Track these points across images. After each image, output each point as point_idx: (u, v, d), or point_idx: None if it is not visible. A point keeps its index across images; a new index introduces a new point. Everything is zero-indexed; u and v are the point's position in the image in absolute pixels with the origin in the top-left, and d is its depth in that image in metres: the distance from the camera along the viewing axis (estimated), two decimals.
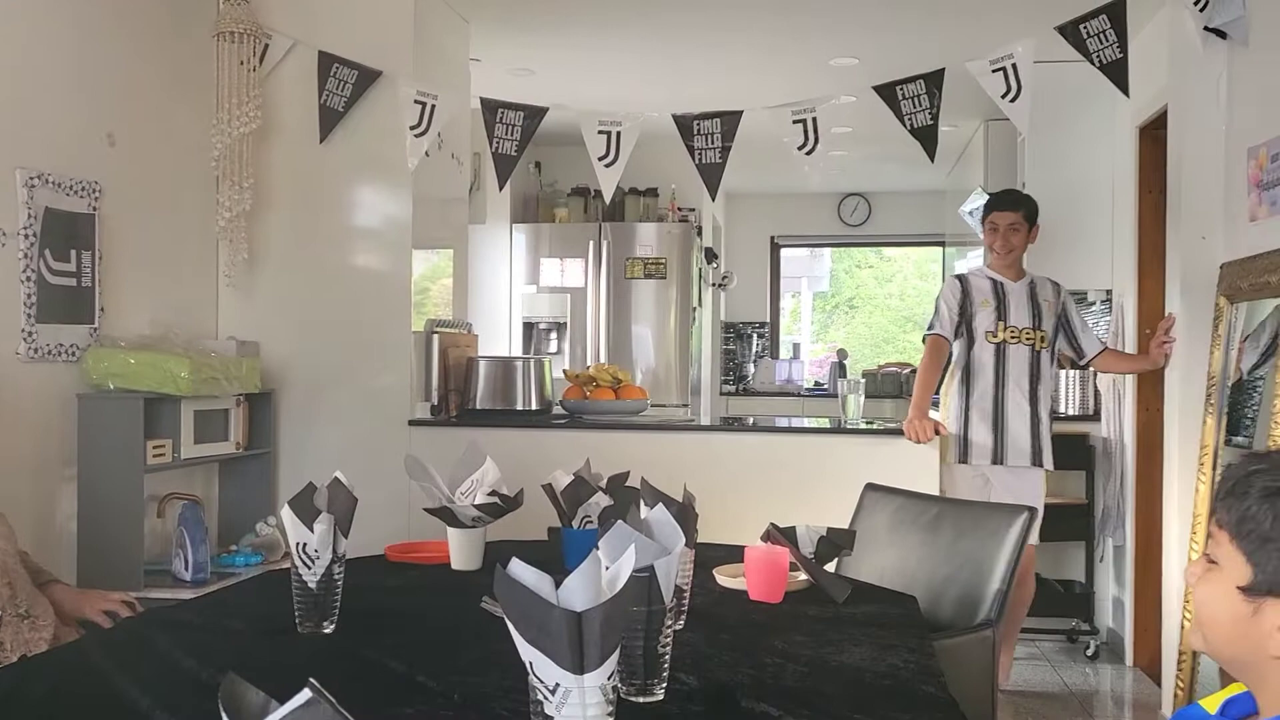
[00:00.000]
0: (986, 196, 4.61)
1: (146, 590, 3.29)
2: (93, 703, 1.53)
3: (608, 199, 4.07)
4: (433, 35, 4.28)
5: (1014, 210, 4.01)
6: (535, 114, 3.86)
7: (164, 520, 3.68)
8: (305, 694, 0.85)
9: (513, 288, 6.75)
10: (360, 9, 4.12)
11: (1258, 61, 3.23)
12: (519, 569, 1.13)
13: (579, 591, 1.14)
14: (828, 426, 4.18)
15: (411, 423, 4.09)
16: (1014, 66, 3.57)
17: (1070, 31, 3.51)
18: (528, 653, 1.14)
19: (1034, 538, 3.71)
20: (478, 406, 4.24)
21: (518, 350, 6.63)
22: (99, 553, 3.34)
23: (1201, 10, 3.31)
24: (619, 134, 3.77)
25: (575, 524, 2.43)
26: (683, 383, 6.64)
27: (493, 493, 2.42)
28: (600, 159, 3.80)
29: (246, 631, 1.92)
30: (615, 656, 1.15)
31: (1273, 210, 3.03)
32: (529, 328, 6.73)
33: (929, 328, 4.07)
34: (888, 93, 3.71)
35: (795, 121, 3.72)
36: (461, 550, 2.42)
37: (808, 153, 3.75)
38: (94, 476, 3.37)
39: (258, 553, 3.79)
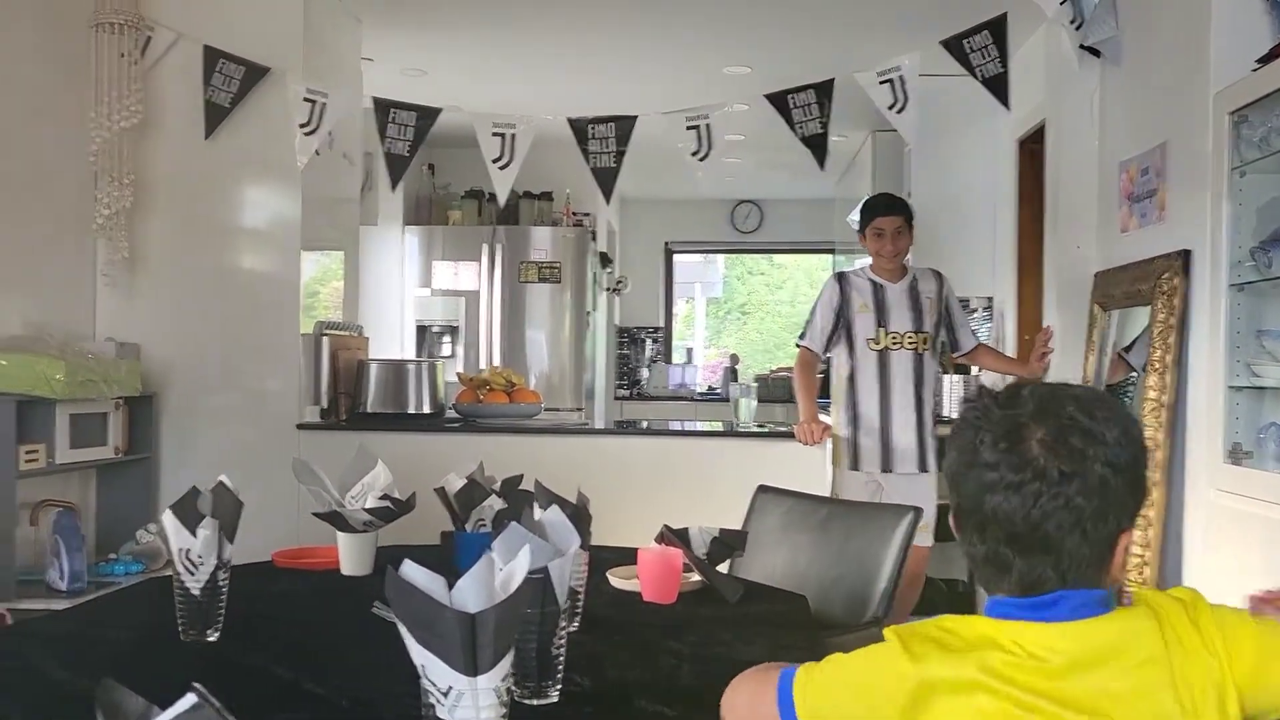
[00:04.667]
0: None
1: (19, 601, 3.16)
2: None
3: (502, 202, 4.06)
4: (323, 33, 4.20)
5: (899, 214, 3.90)
6: (428, 115, 3.83)
7: (38, 528, 3.53)
8: (190, 698, 0.83)
9: (405, 290, 6.66)
10: (248, 4, 4.02)
11: (1128, 79, 3.39)
12: (411, 570, 1.12)
13: (472, 593, 1.13)
14: (720, 429, 4.23)
15: (300, 426, 4.01)
16: (901, 79, 3.67)
17: (955, 46, 3.63)
18: (420, 655, 1.13)
19: (927, 539, 3.76)
20: (369, 410, 4.17)
21: (410, 354, 6.55)
22: None
23: (1077, 29, 3.46)
24: (513, 136, 3.76)
25: (469, 527, 2.40)
26: (577, 387, 6.64)
27: (384, 496, 2.38)
28: (494, 161, 3.79)
29: (126, 641, 1.85)
30: (509, 658, 1.15)
31: (1143, 222, 3.18)
32: (422, 331, 6.64)
33: (800, 336, 3.99)
34: (779, 101, 3.78)
35: (689, 128, 3.76)
36: (352, 555, 2.37)
37: (701, 159, 3.79)
38: None
39: (138, 561, 3.66)
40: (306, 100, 3.77)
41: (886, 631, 1.17)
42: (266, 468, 3.71)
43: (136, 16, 3.77)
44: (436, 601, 1.11)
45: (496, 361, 6.41)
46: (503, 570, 1.22)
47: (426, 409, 4.20)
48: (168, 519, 1.82)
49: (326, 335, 4.14)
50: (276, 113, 3.91)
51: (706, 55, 5.10)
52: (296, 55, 3.95)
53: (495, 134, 3.77)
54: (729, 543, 2.25)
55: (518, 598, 1.16)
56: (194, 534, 1.81)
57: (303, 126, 3.78)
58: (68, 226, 3.81)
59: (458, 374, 4.64)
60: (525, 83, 5.63)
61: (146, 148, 3.94)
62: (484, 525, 2.39)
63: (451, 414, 4.32)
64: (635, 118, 3.82)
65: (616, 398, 8.50)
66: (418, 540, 2.63)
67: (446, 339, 6.64)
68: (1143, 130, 3.22)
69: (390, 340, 6.45)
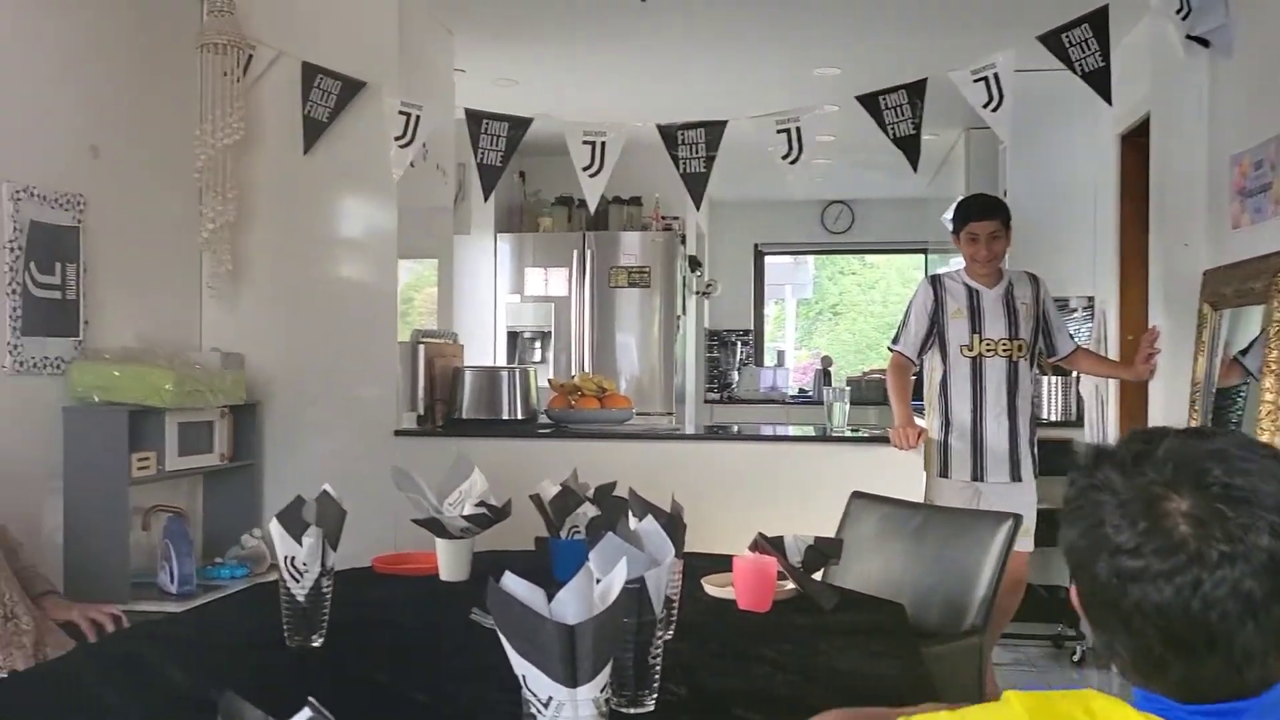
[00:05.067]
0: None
1: (133, 603, 3.27)
2: (75, 713, 1.52)
3: (592, 209, 4.08)
4: (417, 46, 4.28)
5: (994, 217, 3.78)
6: (520, 125, 3.87)
7: (149, 533, 3.65)
8: (306, 713, 0.85)
9: (497, 297, 6.75)
10: (344, 20, 4.11)
11: (1239, 68, 3.26)
12: (511, 582, 1.13)
13: (571, 605, 1.14)
14: (813, 434, 4.19)
15: (397, 433, 4.09)
16: (995, 76, 3.59)
17: (1052, 41, 3.54)
18: (521, 666, 1.14)
19: (1028, 544, 3.66)
20: (464, 416, 4.24)
21: (502, 360, 6.63)
22: (85, 565, 3.32)
23: (1184, 19, 3.34)
24: (603, 144, 3.78)
25: (563, 534, 2.43)
26: (667, 391, 6.64)
27: (481, 503, 2.41)
28: (585, 169, 3.81)
29: (235, 645, 1.91)
30: (608, 669, 1.16)
31: (1256, 217, 3.06)
32: (513, 337, 6.73)
33: (894, 340, 3.92)
34: (870, 103, 3.73)
35: (779, 131, 3.73)
36: (450, 561, 2.41)
37: (792, 162, 3.76)
38: (79, 489, 3.36)
39: (243, 565, 3.77)
40: (401, 113, 3.84)
41: (1011, 695, 0.99)
42: (365, 474, 3.78)
43: (239, 36, 3.89)
44: (536, 613, 1.12)
45: (587, 367, 6.45)
46: (601, 582, 1.22)
47: (520, 415, 4.25)
48: (274, 527, 1.87)
49: (422, 343, 4.21)
50: (372, 126, 3.99)
51: (795, 57, 5.06)
52: (392, 69, 4.03)
53: (586, 142, 3.79)
54: (824, 550, 2.23)
55: (616, 609, 1.17)
56: (299, 542, 1.86)
57: (398, 139, 3.86)
58: (175, 241, 3.94)
59: (549, 380, 4.68)
60: (614, 89, 5.66)
61: (248, 163, 4.06)
62: (578, 532, 2.41)
63: (543, 420, 4.36)
64: (725, 123, 3.81)
65: (706, 401, 8.48)
66: (512, 545, 2.67)
67: (537, 345, 6.71)
68: (1256, 122, 3.10)
69: (482, 347, 6.55)
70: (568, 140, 3.83)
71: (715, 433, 4.43)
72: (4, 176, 3.12)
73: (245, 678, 1.69)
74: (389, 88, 3.96)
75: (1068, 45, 3.50)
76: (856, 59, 5.01)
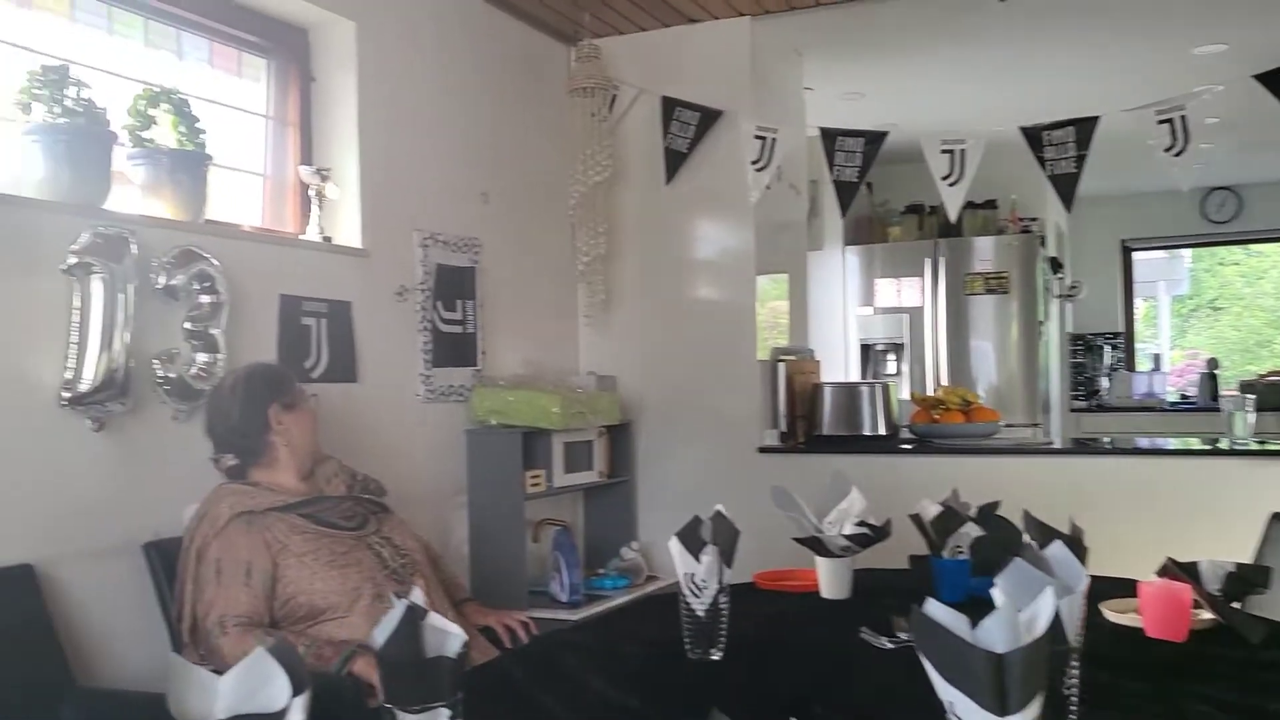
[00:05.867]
0: None
1: (531, 610, 3.55)
2: (522, 715, 1.68)
3: (953, 218, 3.98)
4: (769, 71, 4.37)
5: None
6: (875, 139, 3.85)
7: (539, 544, 3.96)
8: None
9: (847, 310, 6.72)
10: (700, 53, 4.28)
11: None
12: (935, 609, 1.13)
13: (998, 633, 1.12)
14: (1215, 447, 3.82)
15: (761, 450, 4.17)
16: None
17: None
18: (948, 693, 1.14)
19: None
20: (825, 433, 4.26)
21: (855, 373, 6.59)
22: (489, 574, 3.65)
23: None
24: (963, 152, 3.68)
25: (945, 554, 2.38)
26: (1029, 400, 6.32)
27: (860, 522, 2.42)
28: (944, 178, 3.73)
29: (641, 655, 2.03)
30: (1039, 700, 1.13)
31: None
32: (865, 350, 6.66)
33: None
34: (1273, 80, 3.37)
35: (1161, 121, 3.47)
36: (831, 579, 2.43)
37: (1177, 154, 3.48)
38: (482, 504, 3.70)
39: (624, 576, 3.99)
40: (757, 137, 3.94)
41: None
42: (731, 490, 3.86)
43: (605, 79, 4.16)
44: (964, 641, 1.11)
45: (943, 377, 6.27)
46: (1025, 610, 1.19)
47: (881, 430, 4.21)
48: (674, 545, 1.97)
49: (782, 360, 4.28)
50: (729, 152, 4.12)
51: (1173, 37, 4.66)
52: (746, 96, 4.15)
53: (944, 151, 3.71)
54: (1248, 578, 2.04)
55: (1044, 638, 1.14)
56: (697, 559, 1.95)
57: (754, 163, 3.96)
58: (552, 274, 4.27)
59: (911, 394, 4.61)
60: (966, 92, 5.48)
61: (615, 197, 4.32)
62: (961, 552, 2.36)
63: (906, 435, 4.30)
64: (1096, 119, 3.59)
65: (1073, 410, 7.97)
66: (884, 563, 2.64)
67: (890, 357, 6.60)
68: None
69: (834, 360, 6.54)
70: (925, 150, 3.77)
71: (1097, 446, 4.15)
72: (415, 226, 3.52)
73: (656, 686, 1.80)
74: (744, 114, 4.07)
75: None
76: (1245, 31, 4.54)
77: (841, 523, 2.46)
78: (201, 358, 2.71)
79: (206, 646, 2.31)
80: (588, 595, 3.80)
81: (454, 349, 3.68)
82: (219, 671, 1.11)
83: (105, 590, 2.49)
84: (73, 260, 2.40)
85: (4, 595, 2.24)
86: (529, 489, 3.69)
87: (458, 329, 3.69)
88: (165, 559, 2.52)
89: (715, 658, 1.96)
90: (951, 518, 2.39)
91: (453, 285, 3.66)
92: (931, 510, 2.43)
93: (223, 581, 2.33)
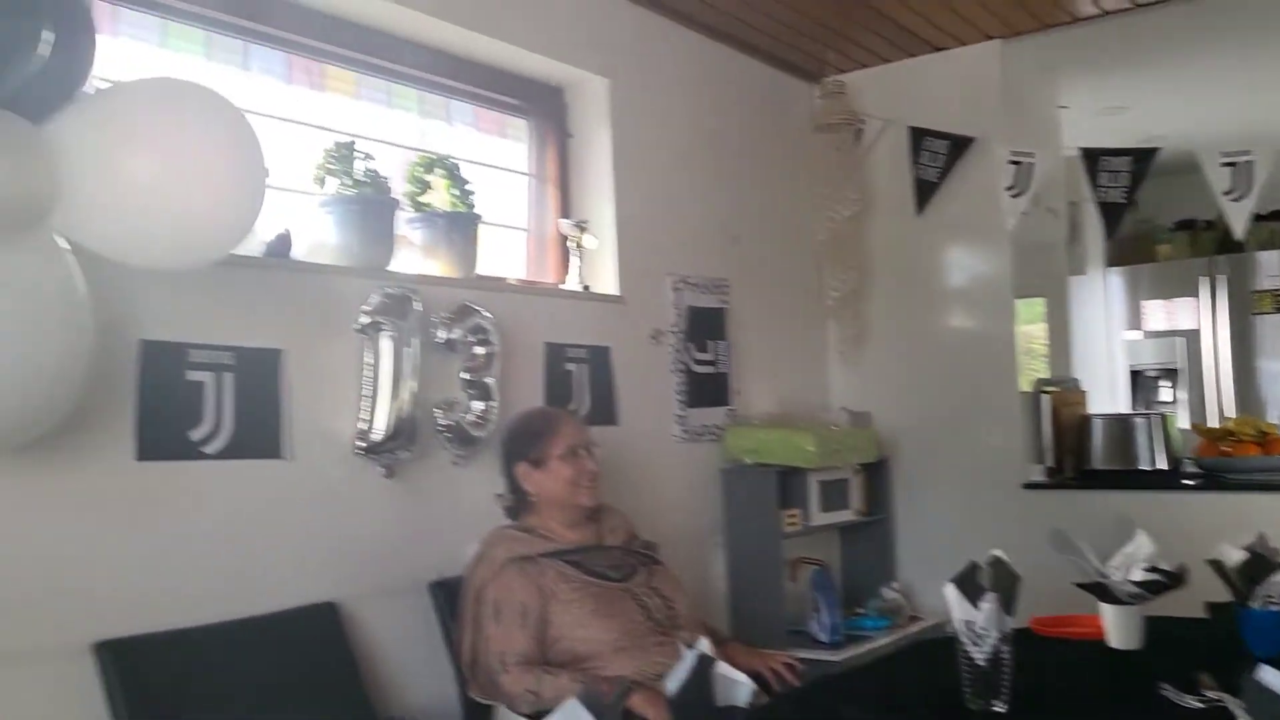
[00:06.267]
0: None
1: (792, 650, 3.51)
2: None
3: (1239, 234, 3.67)
4: (1020, 93, 4.22)
5: None
6: (1144, 157, 3.63)
7: (795, 583, 3.92)
8: None
9: (1111, 335, 6.32)
10: (947, 81, 4.18)
11: None
12: (1270, 676, 1.05)
13: None
14: None
15: (1026, 485, 3.98)
16: None
17: None
18: None
19: None
20: (1095, 467, 4.02)
21: (1124, 401, 6.18)
22: (747, 614, 3.66)
23: None
24: (1248, 164, 3.41)
25: (1254, 604, 2.19)
26: None
27: (1151, 568, 2.26)
28: (1227, 194, 3.46)
29: (920, 705, 1.97)
30: None
31: None
32: (1135, 376, 6.24)
33: None
34: None
35: None
36: (1120, 628, 2.29)
37: None
38: (738, 543, 3.72)
39: (885, 617, 3.89)
40: (1012, 162, 3.80)
41: None
42: (995, 527, 3.74)
43: (850, 114, 4.13)
44: None
45: (1229, 405, 5.78)
46: None
47: (1160, 464, 3.94)
48: (950, 591, 1.91)
49: (1045, 392, 4.08)
50: (981, 178, 4.00)
51: None
52: (997, 120, 4.02)
53: (1225, 164, 3.45)
54: None
55: None
56: (976, 606, 1.88)
57: (1009, 189, 3.82)
58: (800, 311, 4.26)
59: (1191, 424, 4.28)
60: (1241, 98, 5.07)
61: (864, 230, 4.27)
62: (1273, 601, 2.16)
63: (1189, 469, 3.99)
64: None
65: None
66: (1169, 610, 2.46)
67: (1164, 383, 6.15)
68: None
69: (1098, 387, 6.15)
70: (1203, 164, 3.52)
71: None
72: (667, 271, 3.61)
73: None
74: (996, 139, 3.94)
75: None
76: None
77: (1128, 567, 2.32)
78: (477, 405, 2.87)
79: (488, 681, 2.43)
80: (849, 636, 3.72)
81: (707, 389, 3.73)
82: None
83: (396, 627, 2.67)
84: (365, 320, 2.61)
85: (312, 631, 2.44)
86: (786, 528, 3.67)
87: (710, 369, 3.74)
88: (449, 597, 2.66)
89: (999, 709, 1.88)
90: (1261, 564, 2.21)
91: (704, 326, 3.72)
92: (1235, 556, 2.25)
93: (501, 621, 2.44)
